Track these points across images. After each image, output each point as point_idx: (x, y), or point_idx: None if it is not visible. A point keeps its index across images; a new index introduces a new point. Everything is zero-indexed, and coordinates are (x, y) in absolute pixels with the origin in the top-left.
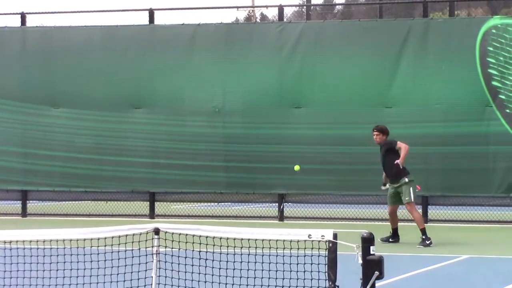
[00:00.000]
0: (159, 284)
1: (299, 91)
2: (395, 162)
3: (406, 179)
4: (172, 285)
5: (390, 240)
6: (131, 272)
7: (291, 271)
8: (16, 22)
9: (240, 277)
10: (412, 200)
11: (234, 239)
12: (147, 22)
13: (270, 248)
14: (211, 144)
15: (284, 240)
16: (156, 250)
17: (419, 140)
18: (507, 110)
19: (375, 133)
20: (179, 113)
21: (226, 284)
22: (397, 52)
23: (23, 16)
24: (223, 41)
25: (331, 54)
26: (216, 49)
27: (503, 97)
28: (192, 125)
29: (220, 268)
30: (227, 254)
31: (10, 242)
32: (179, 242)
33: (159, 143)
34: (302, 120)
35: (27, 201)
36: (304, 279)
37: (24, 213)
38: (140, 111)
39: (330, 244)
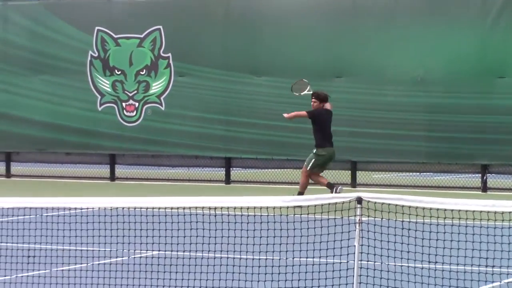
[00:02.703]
0: (361, 253)
1: (503, 61)
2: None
3: (314, 150)
4: (375, 255)
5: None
6: (334, 241)
7: (495, 243)
8: None
9: (443, 248)
10: (307, 168)
11: (437, 209)
12: None
13: (474, 219)
14: (412, 114)
15: (488, 212)
16: (359, 219)
17: None
18: None
19: (312, 99)
20: (380, 82)
21: (429, 254)
22: None
23: None
24: (426, 8)
25: None
26: (418, 16)
27: None
28: (393, 94)
29: (422, 239)
30: (430, 224)
31: (215, 208)
32: (381, 211)
33: (360, 112)
34: (506, 90)
35: (231, 168)
36: (509, 251)
37: (227, 180)
38: (340, 80)
39: None
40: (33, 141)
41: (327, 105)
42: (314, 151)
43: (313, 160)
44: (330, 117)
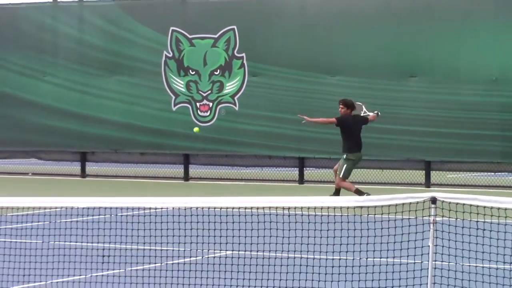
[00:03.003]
0: (436, 253)
1: None
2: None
3: (344, 156)
4: (449, 255)
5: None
6: (408, 241)
7: None
8: None
9: (511, 248)
10: (341, 175)
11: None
12: None
13: None
14: (487, 113)
15: None
16: (433, 219)
17: None
18: None
19: (340, 105)
20: (454, 82)
21: (504, 255)
22: None
23: None
24: (501, 7)
25: None
26: (493, 15)
27: None
28: (468, 94)
29: (498, 239)
30: (505, 224)
31: (289, 208)
32: (456, 211)
33: (434, 112)
34: None
35: (304, 168)
36: None
37: (301, 180)
38: (415, 79)
39: None
40: (108, 141)
41: (371, 116)
42: (344, 156)
43: (345, 165)
44: (358, 124)
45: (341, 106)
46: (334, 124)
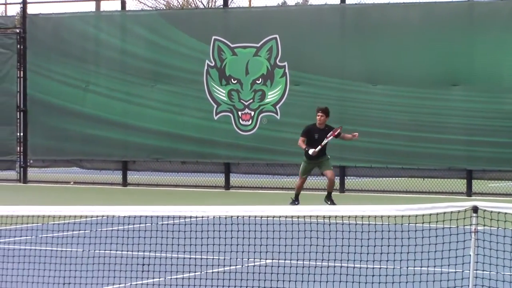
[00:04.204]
0: (477, 262)
1: None
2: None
3: (329, 156)
4: (490, 264)
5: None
6: (449, 250)
7: None
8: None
9: None
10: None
11: None
12: None
13: None
14: None
15: None
16: (475, 229)
17: None
18: None
19: (320, 114)
20: (497, 90)
21: None
22: None
23: None
24: None
25: None
26: None
27: None
28: (510, 103)
29: None
30: None
31: (329, 217)
32: (497, 220)
33: (476, 120)
34: None
35: (345, 177)
36: None
37: (342, 188)
38: (457, 88)
39: None
40: (150, 150)
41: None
42: (329, 156)
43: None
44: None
45: (321, 114)
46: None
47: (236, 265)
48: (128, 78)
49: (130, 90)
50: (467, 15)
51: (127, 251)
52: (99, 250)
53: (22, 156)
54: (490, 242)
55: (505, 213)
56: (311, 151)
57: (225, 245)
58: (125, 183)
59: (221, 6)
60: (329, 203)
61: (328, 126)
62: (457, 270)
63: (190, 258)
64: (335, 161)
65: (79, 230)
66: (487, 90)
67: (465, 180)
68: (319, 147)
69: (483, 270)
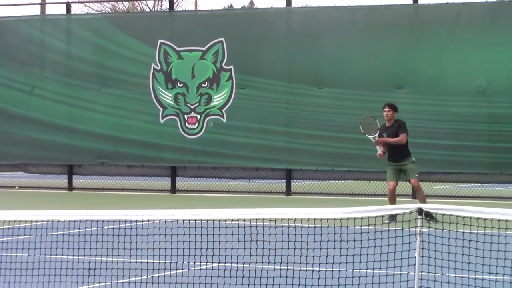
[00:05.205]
0: (422, 264)
1: None
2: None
3: (413, 159)
4: (435, 266)
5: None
6: (394, 252)
7: None
8: (281, 3)
9: (504, 259)
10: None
11: (499, 220)
12: (411, 2)
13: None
14: (474, 124)
15: None
16: (420, 230)
17: None
18: None
19: (386, 109)
20: (442, 93)
21: (489, 266)
22: None
23: None
24: (488, 19)
25: None
26: (480, 28)
27: None
28: (455, 105)
29: (483, 250)
30: (491, 235)
31: (275, 220)
32: (442, 222)
33: (421, 123)
34: None
35: (291, 180)
36: None
37: (288, 191)
38: (402, 91)
39: None
40: (96, 154)
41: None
42: (414, 159)
43: (415, 168)
44: None
45: (387, 109)
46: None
47: (182, 269)
48: (74, 82)
49: (75, 94)
50: (412, 18)
51: (73, 255)
52: (45, 255)
53: None
54: (435, 244)
55: (450, 215)
56: (377, 154)
57: (172, 248)
58: (70, 187)
59: (167, 10)
60: (428, 218)
61: (398, 121)
62: (402, 272)
63: (136, 262)
64: (281, 164)
65: (24, 235)
66: (432, 92)
67: None
68: (380, 146)
69: (428, 272)
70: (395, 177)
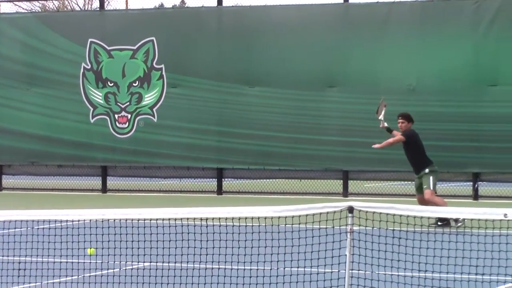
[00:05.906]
0: (353, 262)
1: (495, 69)
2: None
3: (427, 170)
4: (365, 264)
5: (439, 223)
6: (325, 250)
7: (485, 251)
8: (212, 2)
9: (434, 256)
10: (431, 188)
11: (429, 218)
12: (342, 1)
13: (465, 227)
14: None
15: (479, 220)
16: (350, 228)
17: None
18: None
19: (400, 120)
20: (373, 92)
21: (419, 263)
22: None
23: None
24: (418, 19)
25: None
26: (410, 27)
27: None
28: (386, 104)
29: (413, 247)
30: (421, 233)
31: (207, 219)
32: (373, 220)
33: (352, 122)
34: (498, 98)
35: (222, 179)
36: (499, 259)
37: (219, 190)
38: (333, 89)
39: None
40: (25, 154)
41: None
42: (427, 171)
43: (431, 178)
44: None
45: (401, 120)
46: (402, 142)
47: (114, 269)
48: (2, 81)
49: (4, 94)
50: (343, 17)
51: (2, 256)
52: None
53: None
54: (366, 242)
55: (380, 213)
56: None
57: (102, 248)
58: (0, 187)
59: (98, 9)
60: (440, 223)
61: (406, 132)
62: (333, 270)
63: (67, 262)
64: (213, 163)
65: None
66: (363, 91)
67: (342, 181)
68: (377, 145)
69: (359, 270)
70: (418, 189)
